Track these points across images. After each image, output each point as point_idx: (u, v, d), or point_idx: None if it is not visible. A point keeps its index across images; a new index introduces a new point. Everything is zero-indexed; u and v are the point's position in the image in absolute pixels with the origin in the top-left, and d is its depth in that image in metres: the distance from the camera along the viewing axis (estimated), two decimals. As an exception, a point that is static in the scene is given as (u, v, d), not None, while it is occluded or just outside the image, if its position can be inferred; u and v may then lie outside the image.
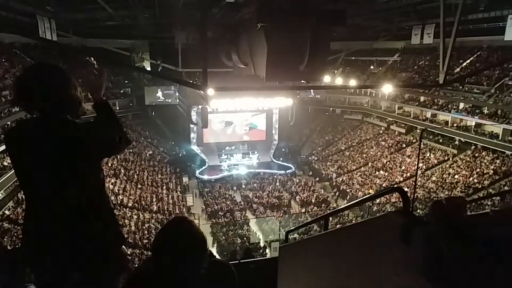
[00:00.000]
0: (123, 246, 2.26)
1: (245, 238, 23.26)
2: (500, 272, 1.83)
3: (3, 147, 19.75)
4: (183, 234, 1.57)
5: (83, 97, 2.02)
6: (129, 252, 18.75)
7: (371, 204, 26.15)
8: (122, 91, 38.31)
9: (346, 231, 3.36)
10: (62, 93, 1.84)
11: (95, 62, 36.55)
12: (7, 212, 18.47)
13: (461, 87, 29.29)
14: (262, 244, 22.48)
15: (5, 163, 20.27)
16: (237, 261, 5.90)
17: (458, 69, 30.44)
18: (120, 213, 22.98)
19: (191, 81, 20.01)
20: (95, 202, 1.97)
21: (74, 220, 1.87)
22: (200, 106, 32.85)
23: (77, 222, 1.88)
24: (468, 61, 31.16)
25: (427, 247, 2.00)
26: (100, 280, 1.95)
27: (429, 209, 2.50)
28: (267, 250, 16.42)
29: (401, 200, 2.28)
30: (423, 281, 1.94)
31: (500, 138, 25.90)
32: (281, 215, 25.54)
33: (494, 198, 22.32)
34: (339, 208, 17.06)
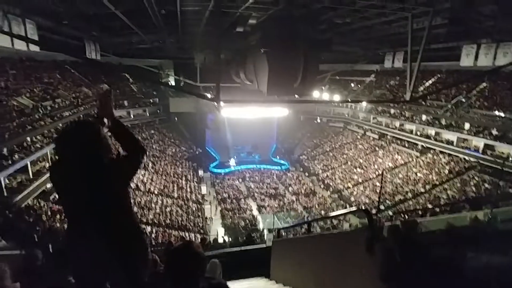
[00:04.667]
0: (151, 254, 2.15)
1: (247, 221, 23.22)
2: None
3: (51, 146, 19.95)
4: (190, 255, 1.63)
5: (112, 144, 1.89)
6: (154, 230, 18.74)
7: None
8: (151, 101, 38.35)
9: (325, 238, 3.40)
10: (94, 145, 1.78)
11: (129, 77, 36.75)
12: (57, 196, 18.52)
13: (424, 102, 29.15)
14: (261, 227, 22.39)
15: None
16: (239, 249, 5.86)
17: (422, 88, 30.28)
18: (148, 198, 22.99)
19: (207, 94, 20.02)
20: (125, 220, 1.88)
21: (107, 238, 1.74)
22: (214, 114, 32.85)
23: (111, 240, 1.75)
24: (430, 81, 31.00)
25: (385, 257, 2.09)
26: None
27: (388, 229, 2.59)
28: (265, 237, 16.25)
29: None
30: (380, 283, 2.04)
31: (454, 144, 25.77)
32: (277, 210, 25.26)
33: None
34: (318, 218, 16.99)
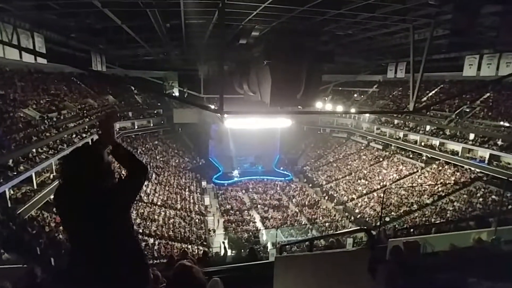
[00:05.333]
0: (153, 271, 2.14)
1: (251, 233, 22.97)
2: None
3: (60, 155, 20.05)
4: (190, 281, 1.75)
5: (113, 168, 1.92)
6: (157, 243, 18.57)
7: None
8: (155, 112, 38.70)
9: (327, 256, 3.38)
10: (96, 171, 1.80)
11: (134, 88, 37.22)
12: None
13: (427, 113, 29.07)
14: (264, 239, 22.13)
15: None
16: (242, 265, 5.77)
17: (425, 98, 30.27)
18: (151, 210, 22.88)
19: (210, 106, 20.15)
20: (126, 243, 1.87)
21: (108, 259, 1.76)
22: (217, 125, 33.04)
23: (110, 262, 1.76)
24: (433, 92, 30.99)
25: (387, 279, 2.07)
26: None
27: (390, 250, 2.58)
28: (269, 250, 16.00)
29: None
30: None
31: (459, 155, 25.54)
32: (281, 222, 25.00)
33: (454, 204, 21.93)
34: (320, 236, 16.86)
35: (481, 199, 21.64)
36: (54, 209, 12.28)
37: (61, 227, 14.98)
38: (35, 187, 16.94)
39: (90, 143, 1.95)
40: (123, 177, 1.90)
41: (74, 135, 22.85)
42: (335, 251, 4.50)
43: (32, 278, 2.74)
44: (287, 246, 9.41)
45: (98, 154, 1.85)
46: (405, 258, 2.43)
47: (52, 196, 16.60)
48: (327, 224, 24.49)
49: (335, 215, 26.18)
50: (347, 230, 11.84)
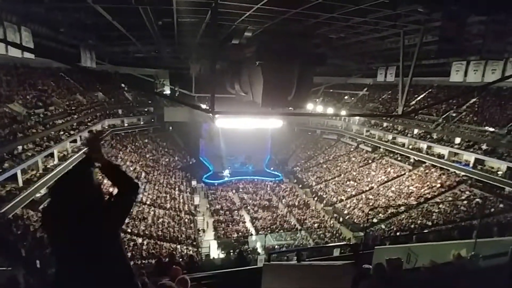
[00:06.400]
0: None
1: (240, 233, 22.98)
2: None
3: (47, 152, 19.62)
4: None
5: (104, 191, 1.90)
6: (145, 242, 18.35)
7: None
8: (146, 110, 38.30)
9: (314, 268, 3.46)
10: (85, 192, 1.78)
11: (124, 86, 36.73)
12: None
13: (415, 116, 29.63)
14: (254, 239, 22.17)
15: (48, 166, 20.00)
16: (230, 270, 5.80)
17: (413, 102, 30.85)
18: (140, 209, 22.61)
19: (202, 105, 20.08)
20: (116, 258, 1.86)
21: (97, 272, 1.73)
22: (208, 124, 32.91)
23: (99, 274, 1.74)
24: (421, 96, 31.60)
25: None
26: None
27: (373, 267, 2.69)
28: (258, 255, 16.00)
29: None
30: None
31: (446, 158, 26.14)
32: (270, 222, 25.01)
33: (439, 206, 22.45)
34: (307, 247, 17.04)
35: (465, 202, 22.20)
36: (41, 230, 11.97)
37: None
38: (21, 185, 16.54)
39: (78, 163, 1.89)
40: (113, 196, 1.87)
41: (61, 132, 22.40)
42: (322, 263, 4.60)
43: (15, 285, 2.67)
44: (274, 255, 9.51)
45: (87, 173, 1.83)
46: (388, 274, 2.51)
47: (40, 211, 16.27)
48: (316, 225, 24.68)
49: (324, 216, 26.41)
50: (333, 244, 12.33)
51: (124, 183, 1.89)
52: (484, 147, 23.43)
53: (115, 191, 1.87)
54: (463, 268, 3.13)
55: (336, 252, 7.76)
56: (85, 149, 1.96)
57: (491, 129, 23.49)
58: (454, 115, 27.22)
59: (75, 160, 22.53)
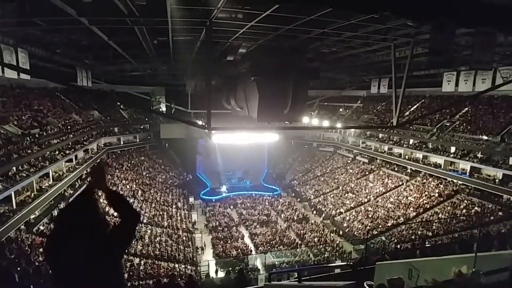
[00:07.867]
0: None
1: (239, 250, 22.57)
2: None
3: (42, 172, 19.37)
4: None
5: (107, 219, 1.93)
6: (142, 262, 17.90)
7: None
8: (142, 127, 38.31)
9: None
10: (89, 223, 1.79)
11: (120, 104, 36.83)
12: (41, 228, 17.68)
13: (410, 127, 29.94)
14: (253, 257, 21.75)
15: (42, 186, 19.72)
16: None
17: (407, 113, 31.24)
18: (137, 228, 22.10)
19: (198, 121, 20.14)
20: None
21: None
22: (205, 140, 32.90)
23: None
24: (415, 107, 32.05)
25: None
26: None
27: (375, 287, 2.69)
28: (258, 274, 15.65)
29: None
30: None
31: (442, 167, 26.24)
32: (269, 238, 24.63)
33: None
34: (308, 267, 16.83)
35: (464, 211, 22.15)
36: (44, 260, 11.73)
37: (41, 249, 14.32)
38: (14, 206, 16.23)
39: (82, 192, 1.93)
40: (116, 225, 1.90)
41: (57, 152, 22.24)
42: (323, 284, 4.53)
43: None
44: (275, 275, 9.36)
45: (91, 202, 1.86)
46: None
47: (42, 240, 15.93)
48: (315, 239, 24.36)
49: (323, 230, 26.10)
50: (334, 264, 12.32)
51: (126, 212, 1.95)
52: (479, 155, 23.61)
53: (118, 220, 1.92)
54: (465, 286, 3.12)
55: (337, 269, 7.64)
56: (89, 178, 2.00)
57: (485, 137, 23.74)
58: (448, 124, 27.55)
59: (69, 180, 22.32)
